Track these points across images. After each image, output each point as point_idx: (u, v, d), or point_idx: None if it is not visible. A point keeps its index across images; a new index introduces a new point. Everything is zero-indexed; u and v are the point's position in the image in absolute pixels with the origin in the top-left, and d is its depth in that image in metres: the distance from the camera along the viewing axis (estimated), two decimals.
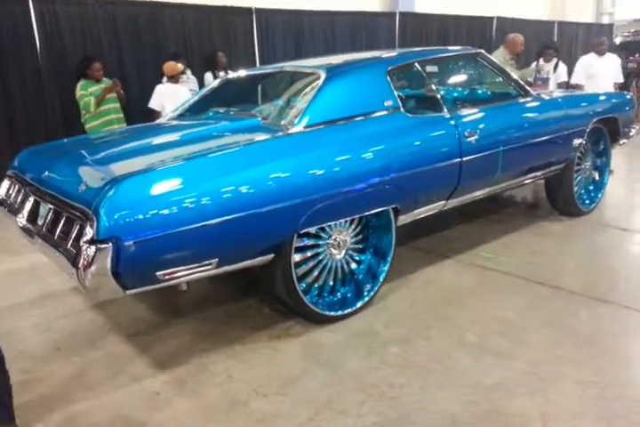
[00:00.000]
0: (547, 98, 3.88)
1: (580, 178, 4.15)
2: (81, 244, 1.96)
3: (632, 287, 3.03)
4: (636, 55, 10.52)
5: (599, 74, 6.08)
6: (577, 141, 3.87)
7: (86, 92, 5.10)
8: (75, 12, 5.91)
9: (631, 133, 4.53)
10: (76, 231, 2.07)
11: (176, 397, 2.20)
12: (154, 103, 5.36)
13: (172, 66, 5.39)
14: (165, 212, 2.04)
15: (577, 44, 11.75)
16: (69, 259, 2.03)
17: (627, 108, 4.45)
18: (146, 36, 6.44)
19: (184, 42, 6.76)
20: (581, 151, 4.05)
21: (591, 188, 4.35)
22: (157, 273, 2.08)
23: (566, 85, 6.23)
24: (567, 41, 11.47)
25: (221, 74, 6.20)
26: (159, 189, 2.08)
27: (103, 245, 1.91)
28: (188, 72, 6.23)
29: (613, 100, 4.36)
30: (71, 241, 2.08)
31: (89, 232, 1.96)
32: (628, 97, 4.57)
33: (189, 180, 2.15)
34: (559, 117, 3.74)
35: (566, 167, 3.94)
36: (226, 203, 2.17)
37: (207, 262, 2.21)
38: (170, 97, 5.19)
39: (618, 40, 12.97)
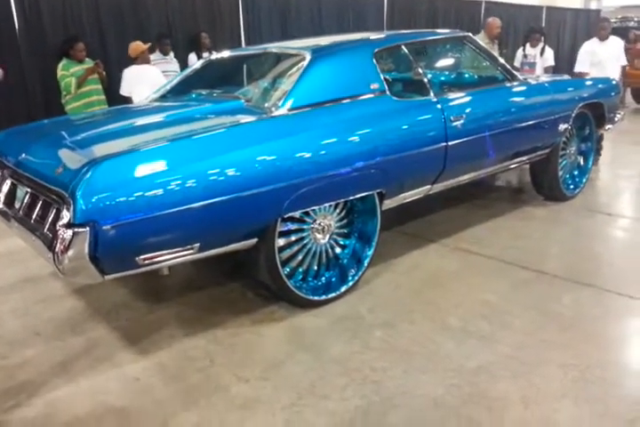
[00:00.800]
0: (533, 82, 3.85)
1: (565, 163, 4.15)
2: (57, 228, 1.91)
3: (614, 271, 3.05)
4: (623, 41, 10.50)
5: (604, 60, 5.77)
6: (562, 126, 3.86)
7: (67, 73, 4.97)
8: None
9: (616, 119, 4.53)
10: (52, 215, 2.02)
11: (157, 382, 2.18)
12: (123, 90, 5.17)
13: (135, 46, 5.15)
14: (145, 195, 1.99)
15: (565, 29, 11.74)
16: (46, 243, 1.98)
17: (612, 94, 4.45)
18: (129, 17, 6.28)
19: (167, 22, 6.62)
20: (567, 136, 4.05)
21: (576, 173, 4.36)
22: (137, 258, 2.04)
23: (552, 70, 6.20)
24: (555, 26, 11.45)
25: (205, 55, 6.08)
26: (138, 171, 2.02)
27: (80, 229, 1.86)
28: (171, 53, 6.11)
29: (599, 86, 4.35)
30: (48, 225, 2.03)
31: (66, 216, 1.90)
32: (614, 82, 4.56)
33: (170, 162, 2.09)
34: (545, 102, 3.72)
35: (552, 152, 3.94)
36: (208, 186, 2.12)
37: (189, 247, 2.17)
38: (137, 80, 5.00)
39: None
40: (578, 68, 5.83)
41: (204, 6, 6.91)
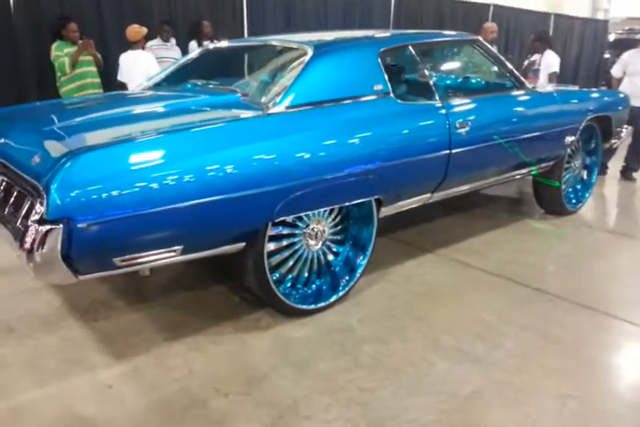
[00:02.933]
0: (542, 92, 3.73)
1: (568, 176, 4.04)
2: (29, 223, 1.76)
3: (615, 294, 2.94)
4: None
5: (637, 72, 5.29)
6: (569, 139, 3.75)
7: (62, 53, 4.81)
8: None
9: (622, 134, 4.43)
10: (26, 208, 1.87)
11: (130, 391, 2.05)
12: (121, 75, 5.04)
13: (135, 29, 5.00)
14: (126, 192, 1.84)
15: (572, 38, 11.63)
16: (16, 238, 1.83)
17: (620, 108, 4.34)
18: (128, 1, 6.09)
19: (169, 8, 6.44)
20: (572, 149, 3.94)
21: (579, 187, 4.25)
22: (114, 259, 1.90)
23: (556, 77, 6.09)
24: (562, 34, 11.33)
25: (206, 43, 5.92)
26: (120, 166, 1.88)
27: (53, 227, 1.72)
28: (173, 40, 5.95)
29: (607, 99, 4.24)
30: (20, 219, 1.88)
31: (39, 210, 1.76)
32: (622, 96, 4.46)
33: (155, 158, 1.94)
34: (553, 113, 3.60)
35: (556, 165, 3.82)
36: (194, 186, 1.97)
37: (171, 249, 2.03)
38: (135, 66, 4.87)
39: (611, 37, 12.90)
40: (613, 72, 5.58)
41: None
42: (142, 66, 4.84)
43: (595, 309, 2.71)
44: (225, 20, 6.97)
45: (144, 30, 5.05)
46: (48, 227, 1.72)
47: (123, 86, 5.00)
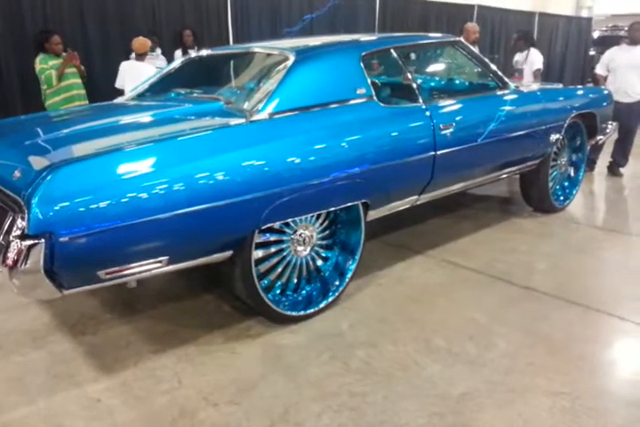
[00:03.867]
0: (525, 91, 3.75)
1: (555, 174, 4.06)
2: (11, 239, 1.75)
3: (604, 289, 2.95)
4: None
5: (618, 67, 5.25)
6: (554, 136, 3.76)
7: (47, 66, 4.78)
8: None
9: (607, 130, 4.45)
10: (8, 224, 1.86)
11: (119, 405, 2.03)
12: (119, 82, 5.09)
13: (142, 41, 5.11)
14: (109, 203, 1.83)
15: (557, 36, 11.71)
16: None
17: (604, 104, 4.36)
18: (112, 12, 6.09)
19: (153, 18, 6.44)
20: (558, 147, 3.96)
21: (566, 184, 4.27)
22: (99, 272, 1.89)
23: (541, 75, 6.12)
24: (547, 32, 11.41)
25: (191, 52, 5.93)
26: (103, 178, 1.87)
27: (34, 242, 1.70)
28: (158, 50, 5.96)
29: (591, 96, 4.27)
30: (2, 235, 1.86)
31: (20, 226, 1.75)
32: (606, 92, 4.48)
33: (136, 169, 1.94)
34: (537, 111, 3.62)
35: (542, 163, 3.84)
36: (177, 195, 1.96)
37: (156, 260, 2.02)
38: (135, 75, 4.91)
39: (596, 34, 13.00)
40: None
41: (190, 3, 6.74)
42: (144, 77, 4.89)
43: (584, 305, 2.72)
44: (210, 29, 6.98)
45: (149, 42, 5.17)
46: (30, 242, 1.71)
47: (118, 92, 4.98)
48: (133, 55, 5.32)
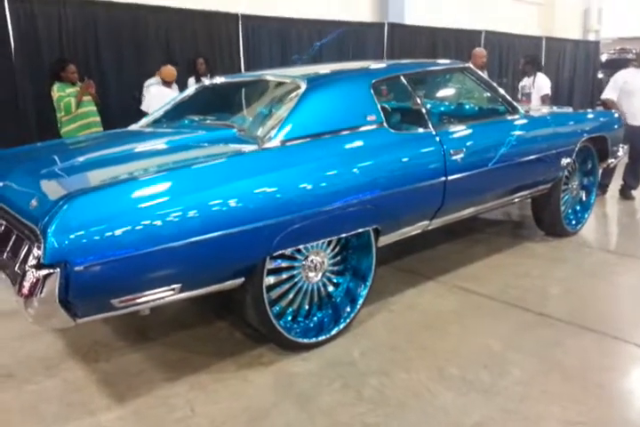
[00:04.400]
0: (535, 115, 3.77)
1: (567, 198, 4.05)
2: (27, 268, 1.77)
3: (619, 315, 2.91)
4: None
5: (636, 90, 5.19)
6: (565, 160, 3.76)
7: (64, 94, 4.91)
8: (53, 13, 5.72)
9: (619, 153, 4.45)
10: (24, 253, 1.89)
11: None
12: (145, 105, 5.23)
13: (171, 71, 5.35)
14: (123, 233, 1.86)
15: (565, 60, 11.80)
16: (14, 283, 1.84)
17: (615, 127, 4.37)
18: (126, 40, 6.26)
19: (167, 46, 6.60)
20: (569, 170, 3.96)
21: (578, 208, 4.25)
22: (112, 300, 1.90)
23: (549, 98, 6.15)
24: (555, 57, 11.51)
25: (204, 79, 6.05)
26: (117, 207, 1.90)
27: (50, 271, 1.72)
28: None
29: (602, 119, 4.28)
30: (19, 263, 1.89)
31: (36, 255, 1.77)
32: (616, 115, 4.50)
33: (151, 197, 1.96)
34: (548, 136, 3.63)
35: (553, 187, 3.83)
36: (190, 224, 1.99)
37: (169, 288, 2.03)
38: (160, 102, 4.99)
39: (604, 57, 13.09)
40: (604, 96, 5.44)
41: (203, 31, 6.92)
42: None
43: (600, 332, 2.68)
44: (222, 56, 7.14)
45: (175, 71, 5.42)
46: (45, 271, 1.73)
47: (141, 114, 5.04)
48: (152, 81, 5.44)
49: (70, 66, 4.98)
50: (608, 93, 5.44)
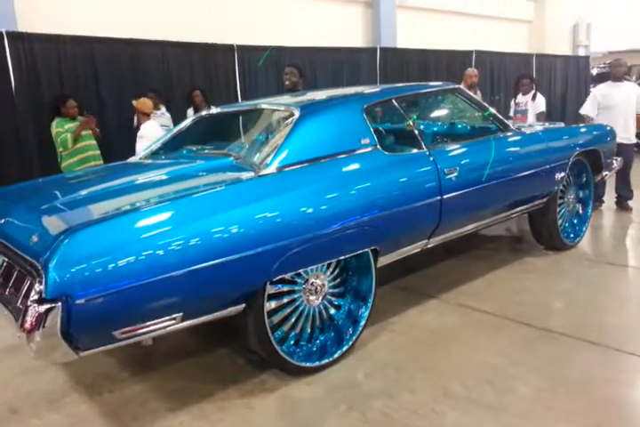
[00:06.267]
0: (527, 132, 3.83)
1: (563, 211, 4.08)
2: (28, 303, 1.80)
3: (622, 328, 2.91)
4: None
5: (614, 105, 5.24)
6: (559, 175, 3.81)
7: (62, 129, 5.00)
8: (52, 50, 5.87)
9: (613, 165, 4.49)
10: (26, 288, 1.91)
11: None
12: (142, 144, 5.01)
13: (146, 103, 5.25)
14: (125, 264, 1.89)
15: (556, 76, 11.95)
16: (17, 319, 1.87)
17: (608, 139, 4.43)
18: (126, 74, 6.40)
19: (164, 79, 6.73)
20: (564, 184, 3.99)
21: (575, 221, 4.28)
22: (114, 332, 1.92)
23: (545, 116, 6.22)
24: (546, 73, 11.66)
25: (203, 111, 6.14)
26: (118, 239, 1.93)
27: (51, 305, 1.75)
28: (163, 108, 6.20)
29: (594, 132, 4.34)
30: (20, 299, 1.92)
31: (38, 290, 1.80)
32: (608, 128, 4.55)
33: (152, 228, 2.00)
34: (540, 151, 3.69)
35: (549, 201, 3.87)
36: (189, 253, 2.02)
37: (171, 317, 2.05)
38: (156, 134, 4.88)
39: (594, 71, 13.25)
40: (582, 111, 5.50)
41: (200, 63, 7.06)
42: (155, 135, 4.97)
43: (603, 345, 2.68)
44: (219, 88, 7.26)
45: (150, 102, 5.33)
46: (47, 306, 1.75)
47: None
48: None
49: (70, 101, 5.08)
50: (586, 109, 5.45)
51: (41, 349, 1.81)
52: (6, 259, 2.21)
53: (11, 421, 2.36)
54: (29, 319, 1.76)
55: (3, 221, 2.43)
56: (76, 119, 5.11)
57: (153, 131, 5.07)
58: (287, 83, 5.07)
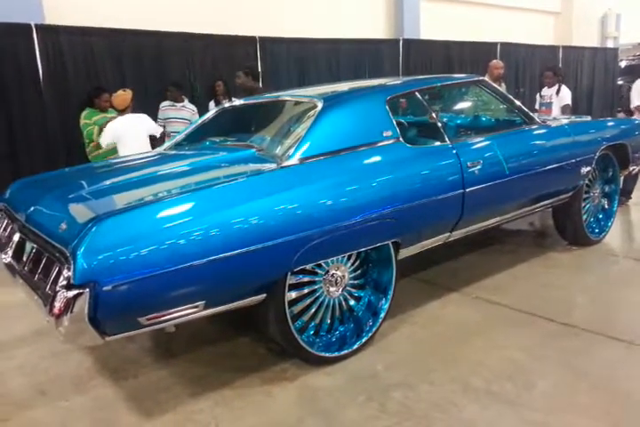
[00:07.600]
0: (552, 125, 3.77)
1: (588, 206, 4.01)
2: (57, 289, 1.85)
3: None
4: None
5: None
6: (585, 169, 3.75)
7: (90, 121, 5.11)
8: (78, 42, 5.94)
9: None
10: (54, 274, 1.96)
11: None
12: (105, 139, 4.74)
13: (125, 95, 4.73)
14: (149, 252, 1.92)
15: (582, 68, 11.71)
16: (45, 304, 1.92)
17: (636, 133, 4.33)
18: (150, 66, 6.45)
19: (189, 71, 6.77)
20: (589, 179, 3.93)
21: (600, 216, 4.21)
22: (140, 318, 1.97)
23: (570, 109, 6.12)
24: (573, 66, 11.43)
25: (225, 102, 6.18)
26: (143, 228, 1.97)
27: (79, 291, 1.80)
28: (186, 100, 6.25)
29: (622, 126, 4.26)
30: (49, 284, 1.97)
31: (66, 276, 1.85)
32: (637, 122, 4.46)
33: (175, 218, 2.03)
34: (566, 145, 3.63)
35: (574, 196, 3.81)
36: (213, 241, 2.05)
37: (194, 305, 2.09)
38: (126, 133, 4.65)
39: (623, 64, 12.96)
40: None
41: (224, 55, 7.07)
42: (132, 133, 4.70)
43: (626, 341, 2.65)
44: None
45: (130, 94, 4.84)
46: (75, 292, 1.80)
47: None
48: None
49: (105, 94, 5.19)
50: (637, 101, 5.41)
51: (69, 333, 1.86)
52: (35, 246, 2.27)
53: (40, 402, 2.43)
54: (58, 304, 1.81)
55: (32, 209, 2.49)
56: (107, 112, 5.19)
57: (115, 131, 4.65)
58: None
